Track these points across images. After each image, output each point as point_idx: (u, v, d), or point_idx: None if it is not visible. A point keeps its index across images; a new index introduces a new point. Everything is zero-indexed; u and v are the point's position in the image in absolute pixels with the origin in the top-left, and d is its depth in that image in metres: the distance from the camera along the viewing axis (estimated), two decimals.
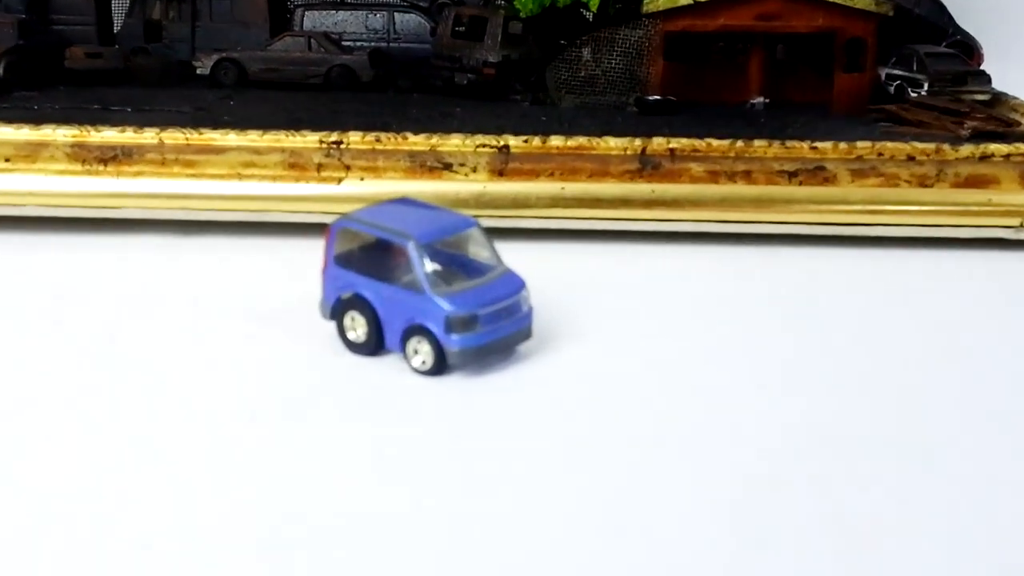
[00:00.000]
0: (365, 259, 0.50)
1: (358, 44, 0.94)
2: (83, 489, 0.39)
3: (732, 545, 0.38)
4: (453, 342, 0.49)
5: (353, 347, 0.50)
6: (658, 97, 0.83)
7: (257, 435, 0.43)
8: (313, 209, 0.68)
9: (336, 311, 0.50)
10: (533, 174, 0.71)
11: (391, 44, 0.96)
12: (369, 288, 0.49)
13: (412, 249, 0.47)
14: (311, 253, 0.67)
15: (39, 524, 0.37)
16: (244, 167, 0.69)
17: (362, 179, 0.69)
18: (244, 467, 0.41)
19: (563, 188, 0.70)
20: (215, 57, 0.89)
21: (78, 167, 0.69)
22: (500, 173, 0.70)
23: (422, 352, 0.50)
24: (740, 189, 0.70)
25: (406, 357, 0.49)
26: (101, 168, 0.69)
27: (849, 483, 0.42)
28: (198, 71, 0.88)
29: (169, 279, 0.62)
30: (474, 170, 0.70)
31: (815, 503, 0.40)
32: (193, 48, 0.93)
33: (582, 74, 0.87)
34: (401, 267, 0.49)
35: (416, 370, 0.49)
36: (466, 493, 0.40)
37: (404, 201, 0.53)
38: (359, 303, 0.49)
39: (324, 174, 0.69)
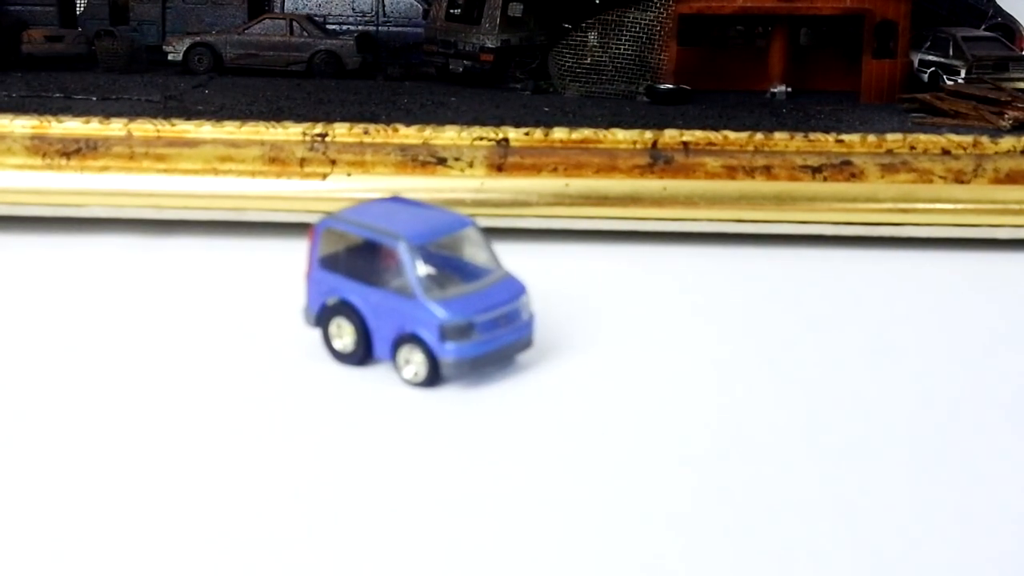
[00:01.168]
0: (352, 262, 0.50)
1: (344, 28, 0.94)
2: (48, 501, 0.40)
3: (745, 565, 0.38)
4: (448, 352, 0.49)
5: (339, 356, 0.51)
6: (671, 85, 0.83)
7: (236, 449, 0.44)
8: (296, 208, 0.68)
9: (321, 318, 0.50)
10: (535, 169, 0.71)
11: (380, 28, 0.96)
12: (356, 293, 0.49)
13: (403, 251, 0.47)
14: (293, 255, 0.68)
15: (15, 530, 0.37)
16: (220, 161, 0.70)
17: (349, 175, 0.70)
18: (219, 481, 0.41)
19: (567, 184, 0.70)
20: (188, 41, 0.89)
21: (38, 161, 0.69)
22: (499, 168, 0.71)
23: (414, 362, 0.50)
24: (759, 186, 0.71)
25: (396, 368, 0.50)
26: (63, 162, 0.69)
27: (876, 503, 0.43)
28: (169, 56, 0.89)
29: (138, 283, 0.63)
30: (471, 165, 0.70)
31: (838, 521, 0.41)
32: (163, 31, 0.93)
33: (588, 60, 0.87)
34: (391, 270, 0.49)
35: (407, 382, 0.49)
36: (459, 513, 0.40)
37: (395, 200, 0.53)
38: (346, 309, 0.49)
39: (308, 169, 0.70)
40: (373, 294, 0.48)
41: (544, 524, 0.39)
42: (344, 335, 0.50)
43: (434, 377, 0.49)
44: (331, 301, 0.49)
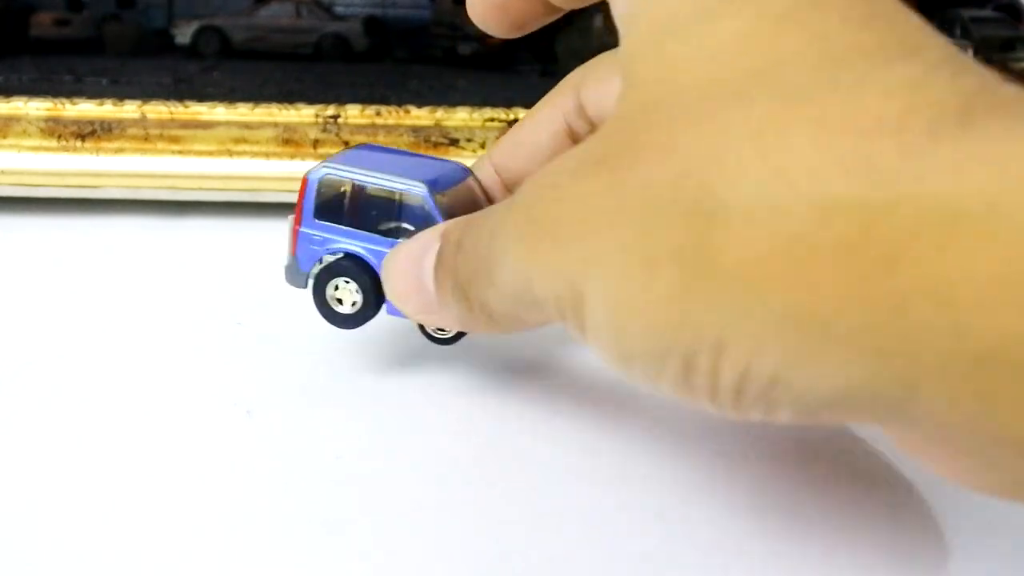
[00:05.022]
0: (355, 213, 0.47)
1: (351, 10, 0.95)
2: (59, 485, 0.41)
3: None
4: None
5: (337, 319, 0.48)
6: None
7: (253, 431, 0.44)
8: None
9: (320, 276, 0.47)
10: None
11: (387, 10, 0.97)
12: (362, 246, 0.46)
13: (427, 196, 0.45)
14: None
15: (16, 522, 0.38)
16: (234, 143, 0.71)
17: None
18: (235, 466, 0.42)
19: None
20: (195, 25, 0.91)
21: (53, 143, 0.70)
22: None
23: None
24: None
25: (421, 326, 0.47)
26: (79, 144, 0.70)
27: None
28: (176, 40, 0.90)
29: (154, 263, 0.64)
30: (482, 146, 0.72)
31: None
32: (170, 15, 0.95)
33: (594, 43, 0.89)
34: (407, 219, 0.47)
35: (433, 336, 0.48)
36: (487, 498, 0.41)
37: (369, 147, 0.51)
38: (350, 266, 0.46)
39: (321, 150, 0.71)
40: (385, 245, 0.45)
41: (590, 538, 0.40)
42: (345, 294, 0.47)
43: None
44: (330, 258, 0.47)
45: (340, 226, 0.48)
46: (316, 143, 0.71)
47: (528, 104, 0.76)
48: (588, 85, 0.49)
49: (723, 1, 0.32)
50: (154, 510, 0.39)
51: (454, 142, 0.72)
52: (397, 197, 0.47)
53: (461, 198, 0.48)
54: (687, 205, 0.28)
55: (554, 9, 0.49)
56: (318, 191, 0.48)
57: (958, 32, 0.90)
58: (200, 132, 0.71)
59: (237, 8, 0.93)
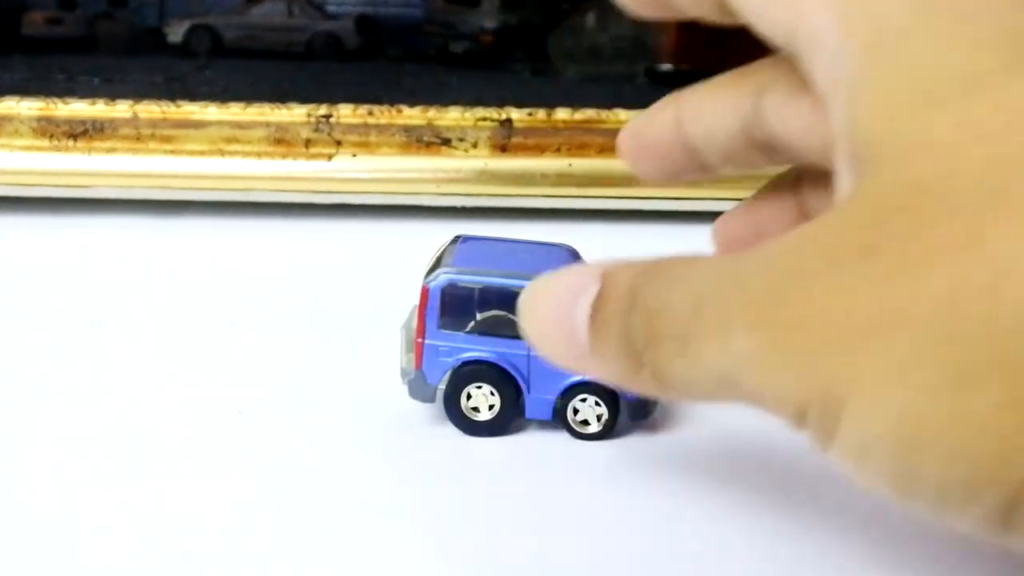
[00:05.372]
0: (483, 318, 0.45)
1: (343, 9, 0.95)
2: (48, 484, 0.41)
3: None
4: (630, 393, 0.44)
5: (473, 427, 0.45)
6: (670, 67, 0.85)
7: (245, 431, 0.44)
8: (302, 188, 0.70)
9: (451, 386, 0.45)
10: (538, 149, 0.73)
11: (379, 9, 0.97)
12: (495, 351, 0.44)
13: None
14: (299, 235, 0.69)
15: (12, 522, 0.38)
16: (226, 142, 0.71)
17: (354, 155, 0.71)
18: (227, 465, 0.42)
19: (570, 164, 0.72)
20: (187, 23, 0.91)
21: (45, 143, 0.70)
22: (502, 148, 0.72)
23: (592, 411, 0.45)
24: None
25: (567, 422, 0.45)
26: (71, 144, 0.70)
27: None
28: (169, 38, 0.90)
29: (146, 263, 0.64)
30: (474, 145, 0.72)
31: None
32: (163, 13, 0.95)
33: (586, 42, 0.89)
34: None
35: (582, 435, 0.45)
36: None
37: (467, 239, 0.48)
38: (485, 372, 0.44)
39: (313, 150, 0.71)
40: (522, 348, 0.43)
41: None
42: (481, 401, 0.45)
43: (615, 422, 0.45)
44: (462, 366, 0.44)
45: (467, 334, 0.45)
46: (308, 143, 0.71)
47: (521, 104, 0.77)
48: (772, 96, 0.41)
49: (1008, 62, 0.28)
50: (146, 509, 0.39)
51: (446, 141, 0.73)
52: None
53: None
54: (1009, 312, 0.24)
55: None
56: (441, 299, 0.45)
57: None
58: (192, 132, 0.71)
59: (229, 7, 0.93)
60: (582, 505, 0.41)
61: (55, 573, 0.36)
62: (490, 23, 0.90)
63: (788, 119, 0.40)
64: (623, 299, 0.34)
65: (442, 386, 0.45)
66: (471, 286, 0.45)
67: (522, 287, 0.42)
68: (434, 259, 0.47)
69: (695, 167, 0.42)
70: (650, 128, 0.43)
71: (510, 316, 0.45)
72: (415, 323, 0.47)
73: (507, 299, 0.44)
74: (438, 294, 0.45)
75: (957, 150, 0.27)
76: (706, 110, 0.42)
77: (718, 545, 0.37)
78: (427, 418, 0.46)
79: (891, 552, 0.37)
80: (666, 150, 0.42)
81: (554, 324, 0.36)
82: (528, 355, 0.45)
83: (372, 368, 0.49)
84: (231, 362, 0.51)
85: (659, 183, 0.50)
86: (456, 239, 0.48)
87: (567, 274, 0.37)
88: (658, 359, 0.32)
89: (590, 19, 0.89)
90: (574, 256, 0.48)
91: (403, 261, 0.47)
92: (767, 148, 0.41)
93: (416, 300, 0.46)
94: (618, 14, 0.91)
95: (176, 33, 0.90)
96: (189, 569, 0.36)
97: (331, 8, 0.96)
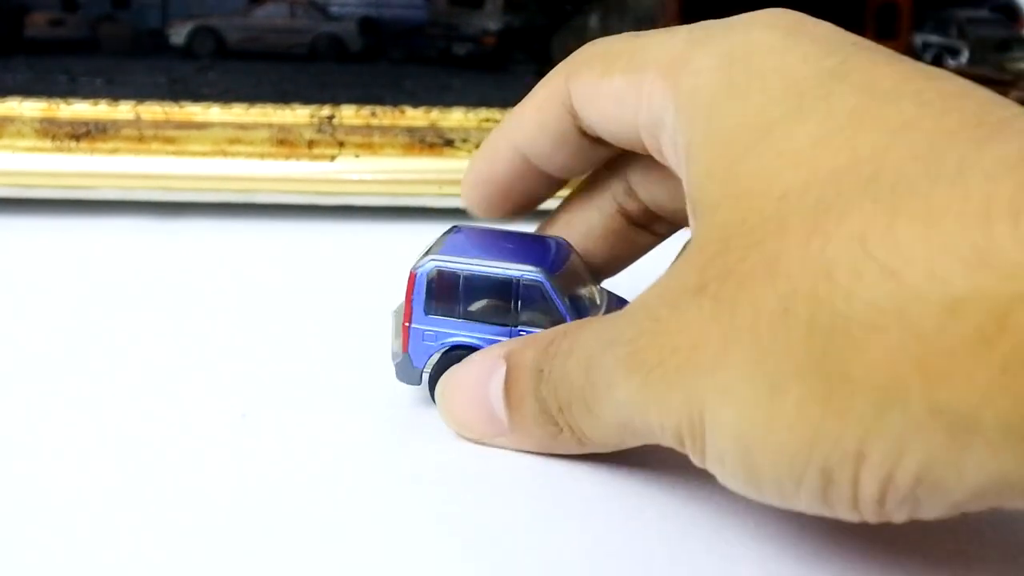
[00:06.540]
0: (467, 304, 0.46)
1: (346, 10, 0.95)
2: (49, 485, 0.41)
3: None
4: None
5: None
6: None
7: (248, 434, 0.44)
8: (305, 189, 0.70)
9: (436, 369, 0.45)
10: None
11: (382, 10, 0.97)
12: (480, 337, 0.45)
13: (546, 282, 0.44)
14: (302, 236, 0.70)
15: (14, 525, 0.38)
16: (229, 144, 0.71)
17: (357, 156, 0.71)
18: (230, 468, 0.42)
19: None
20: (190, 25, 0.91)
21: (48, 144, 0.71)
22: None
23: None
24: None
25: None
26: (73, 145, 0.70)
27: None
28: (171, 40, 0.90)
29: (149, 264, 0.64)
30: (477, 147, 0.71)
31: None
32: (165, 15, 0.95)
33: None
34: (524, 306, 0.45)
35: None
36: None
37: (462, 229, 0.49)
38: (464, 355, 0.45)
39: (316, 151, 0.71)
40: (504, 335, 0.44)
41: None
42: None
43: None
44: (449, 351, 0.45)
45: (453, 319, 0.46)
46: (311, 144, 0.72)
47: None
48: (637, 171, 0.48)
49: (789, 111, 0.32)
50: (148, 512, 0.39)
51: (449, 143, 0.73)
52: (513, 284, 0.45)
53: (570, 276, 0.47)
54: (802, 323, 0.28)
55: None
56: (427, 285, 0.46)
57: (954, 33, 0.91)
58: (195, 133, 0.71)
59: (232, 8, 0.93)
60: (569, 488, 0.41)
61: (55, 573, 0.36)
62: (493, 24, 0.90)
63: (654, 191, 0.47)
64: (532, 376, 0.39)
65: (427, 370, 0.46)
66: (457, 272, 0.45)
67: (507, 275, 0.45)
68: (427, 247, 0.48)
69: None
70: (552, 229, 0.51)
71: (495, 302, 0.46)
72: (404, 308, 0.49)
73: (493, 286, 0.45)
74: (424, 279, 0.46)
75: (752, 194, 0.31)
76: (578, 220, 0.50)
77: (718, 545, 0.37)
78: (429, 418, 0.46)
79: (889, 553, 0.37)
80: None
81: (474, 411, 0.42)
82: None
83: (375, 369, 0.49)
84: (234, 364, 0.51)
85: None
86: (451, 229, 0.49)
87: (472, 364, 0.43)
88: (572, 421, 0.38)
89: (593, 20, 0.89)
90: (565, 247, 0.48)
91: (406, 262, 0.47)
92: (644, 219, 0.48)
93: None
94: (621, 15, 0.91)
95: (179, 34, 0.90)
96: (190, 569, 0.36)
97: (334, 10, 0.96)
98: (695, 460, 0.33)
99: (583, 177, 0.51)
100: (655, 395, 0.32)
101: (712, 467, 0.32)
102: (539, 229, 0.52)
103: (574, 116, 0.45)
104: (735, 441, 0.30)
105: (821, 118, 0.31)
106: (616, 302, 0.50)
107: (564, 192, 0.52)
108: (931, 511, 0.28)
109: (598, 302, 0.48)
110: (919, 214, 0.27)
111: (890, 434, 0.27)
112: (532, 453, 0.42)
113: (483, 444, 0.43)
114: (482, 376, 0.42)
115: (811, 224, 0.29)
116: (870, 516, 0.29)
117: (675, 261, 0.35)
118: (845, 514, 0.30)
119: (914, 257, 0.27)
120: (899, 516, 0.29)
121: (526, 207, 0.51)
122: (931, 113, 0.30)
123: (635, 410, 0.34)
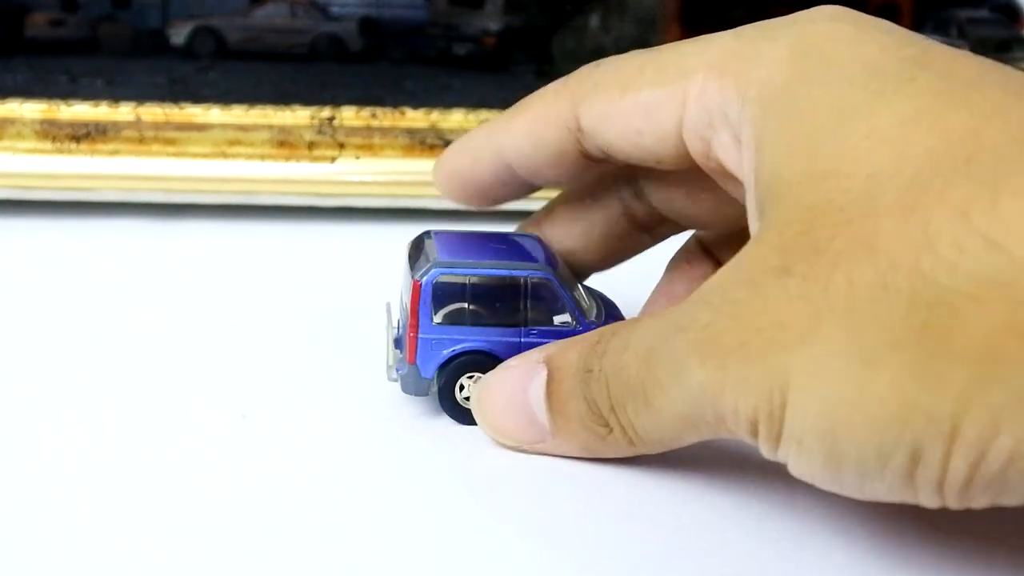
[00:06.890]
0: (476, 308, 0.45)
1: (346, 10, 0.95)
2: (51, 487, 0.41)
3: None
4: None
5: (469, 417, 0.45)
6: None
7: (248, 435, 0.44)
8: (305, 191, 0.70)
9: (445, 377, 0.45)
10: None
11: (382, 11, 0.97)
12: (490, 340, 0.44)
13: (554, 279, 0.44)
14: (302, 238, 0.70)
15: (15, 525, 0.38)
16: (229, 145, 0.71)
17: (358, 158, 0.71)
18: (230, 469, 0.42)
19: None
20: (190, 25, 0.91)
21: (48, 145, 0.71)
22: None
23: None
24: None
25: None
26: (74, 146, 0.70)
27: None
28: (172, 40, 0.90)
29: (149, 266, 0.64)
30: None
31: None
32: (165, 15, 0.95)
33: (589, 44, 0.89)
34: (532, 305, 0.45)
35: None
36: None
37: (438, 234, 0.49)
38: (480, 361, 0.44)
39: (316, 153, 0.71)
40: (514, 336, 0.44)
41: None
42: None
43: None
44: (457, 356, 0.44)
45: (461, 325, 0.45)
46: (311, 145, 0.72)
47: None
48: (650, 175, 0.47)
49: (872, 95, 0.32)
50: (148, 513, 0.39)
51: (449, 144, 0.72)
52: (521, 284, 0.45)
53: (565, 271, 0.47)
54: (903, 297, 0.28)
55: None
56: (433, 293, 0.45)
57: (954, 32, 0.91)
58: (195, 134, 0.72)
59: (232, 8, 0.93)
60: (578, 489, 0.41)
61: (55, 573, 0.36)
62: (493, 25, 0.90)
63: (670, 195, 0.47)
64: (578, 377, 0.38)
65: (436, 379, 0.45)
66: (462, 277, 0.45)
67: (512, 274, 0.45)
68: (409, 256, 0.47)
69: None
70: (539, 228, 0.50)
71: (501, 305, 0.45)
72: (396, 319, 0.48)
73: (498, 288, 0.45)
74: (430, 288, 0.45)
75: (838, 175, 0.31)
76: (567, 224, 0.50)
77: (718, 543, 0.38)
78: (431, 419, 0.46)
79: (891, 552, 0.37)
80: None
81: (513, 417, 0.41)
82: (520, 342, 0.45)
83: (375, 370, 0.49)
84: (235, 365, 0.51)
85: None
86: (426, 234, 0.49)
87: (508, 370, 0.42)
88: (625, 419, 0.37)
89: (593, 20, 0.89)
90: (546, 244, 0.49)
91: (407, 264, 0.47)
92: (650, 222, 0.48)
93: (401, 300, 0.47)
94: (622, 15, 0.92)
95: (179, 35, 0.90)
96: (190, 570, 0.36)
97: (334, 10, 0.96)
98: (765, 449, 0.32)
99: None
100: (733, 377, 0.32)
101: (786, 452, 0.31)
102: (531, 222, 0.52)
103: (579, 139, 0.45)
104: (819, 419, 0.30)
105: (907, 100, 0.31)
106: (598, 297, 0.50)
107: (552, 192, 0.52)
108: (1017, 495, 0.28)
109: (585, 299, 0.48)
110: (1021, 191, 0.28)
111: (988, 409, 0.27)
112: (533, 454, 0.42)
113: (522, 452, 0.42)
114: (521, 382, 0.41)
115: (910, 201, 0.29)
116: (953, 500, 0.29)
117: (745, 247, 0.34)
118: (928, 497, 0.29)
119: (1019, 230, 0.27)
120: (982, 500, 0.29)
121: (495, 204, 0.51)
122: (1018, 101, 0.30)
123: (708, 397, 0.33)
